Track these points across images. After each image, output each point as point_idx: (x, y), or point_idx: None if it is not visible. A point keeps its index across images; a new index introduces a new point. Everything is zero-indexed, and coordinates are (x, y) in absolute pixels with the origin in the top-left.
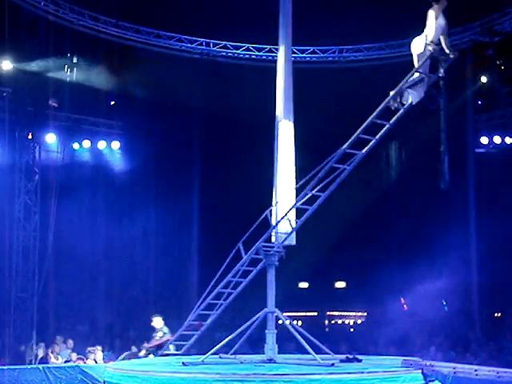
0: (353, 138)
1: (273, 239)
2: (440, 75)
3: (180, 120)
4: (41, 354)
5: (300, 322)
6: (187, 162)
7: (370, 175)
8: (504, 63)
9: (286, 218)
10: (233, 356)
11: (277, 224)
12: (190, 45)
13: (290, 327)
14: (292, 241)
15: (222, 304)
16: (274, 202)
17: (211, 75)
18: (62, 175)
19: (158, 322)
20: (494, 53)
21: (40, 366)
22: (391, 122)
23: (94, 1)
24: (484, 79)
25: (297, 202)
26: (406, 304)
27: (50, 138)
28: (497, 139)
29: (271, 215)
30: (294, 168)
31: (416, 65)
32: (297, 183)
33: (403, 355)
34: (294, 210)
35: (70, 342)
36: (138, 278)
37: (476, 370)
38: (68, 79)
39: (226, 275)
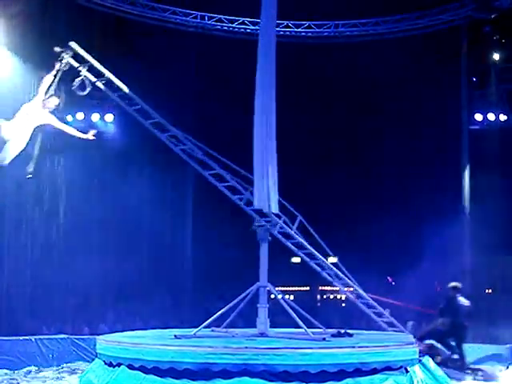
0: None
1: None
2: None
3: (173, 93)
4: None
5: (292, 297)
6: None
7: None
8: (500, 40)
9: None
10: (225, 330)
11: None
12: (184, 18)
13: (282, 301)
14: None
15: None
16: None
17: (205, 49)
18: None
19: None
20: (490, 29)
21: (32, 338)
22: None
23: None
24: (480, 56)
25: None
26: (394, 280)
27: None
28: (491, 116)
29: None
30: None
31: None
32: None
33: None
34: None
35: None
36: (131, 249)
37: None
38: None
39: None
